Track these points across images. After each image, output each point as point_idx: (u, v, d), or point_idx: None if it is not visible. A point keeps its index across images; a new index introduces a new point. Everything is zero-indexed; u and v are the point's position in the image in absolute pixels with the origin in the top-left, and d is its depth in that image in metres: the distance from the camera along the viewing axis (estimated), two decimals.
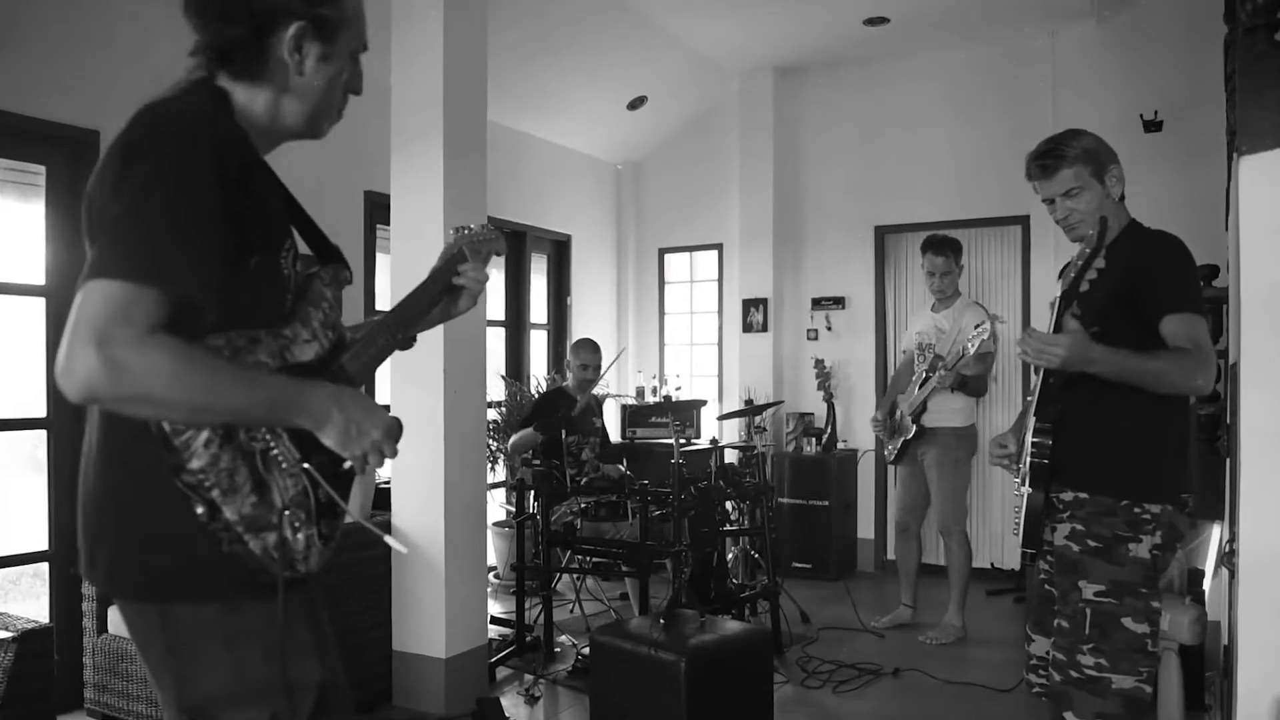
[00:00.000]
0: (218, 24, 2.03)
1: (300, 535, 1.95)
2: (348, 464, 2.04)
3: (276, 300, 2.03)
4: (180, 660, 1.96)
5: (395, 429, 2.04)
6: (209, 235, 1.82)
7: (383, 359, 2.26)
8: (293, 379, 1.97)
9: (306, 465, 1.97)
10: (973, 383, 6.54)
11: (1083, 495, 3.20)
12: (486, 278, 2.50)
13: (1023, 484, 3.25)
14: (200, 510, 1.84)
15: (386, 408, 5.17)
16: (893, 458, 6.96)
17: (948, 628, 6.69)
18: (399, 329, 2.31)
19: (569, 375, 7.31)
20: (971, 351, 6.24)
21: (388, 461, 5.55)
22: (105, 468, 1.95)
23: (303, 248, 2.18)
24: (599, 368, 7.23)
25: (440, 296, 2.44)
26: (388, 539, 2.18)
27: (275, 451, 1.93)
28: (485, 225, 2.52)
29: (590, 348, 7.22)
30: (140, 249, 1.75)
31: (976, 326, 6.29)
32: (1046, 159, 3.37)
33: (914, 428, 6.67)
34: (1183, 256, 3.21)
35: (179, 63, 2.11)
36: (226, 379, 1.82)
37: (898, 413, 6.87)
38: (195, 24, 2.06)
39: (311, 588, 2.06)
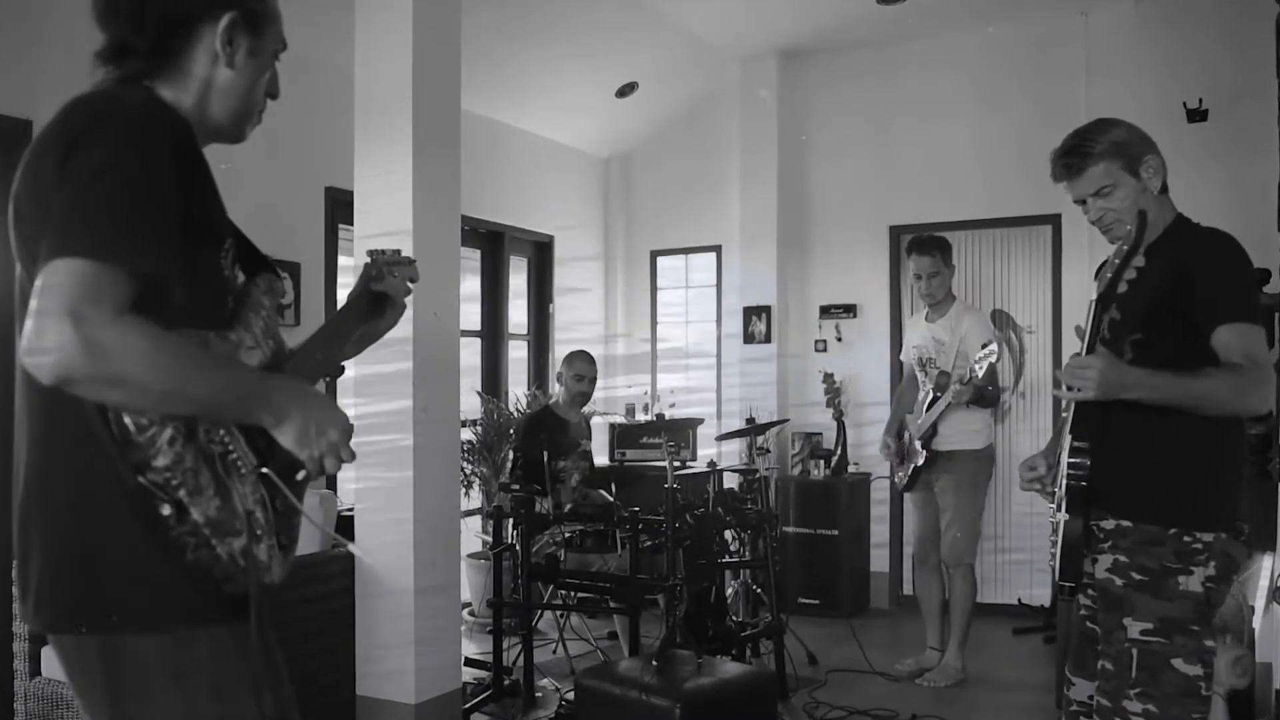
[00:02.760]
0: (134, 26, 2.09)
1: (262, 544, 2.00)
2: (301, 474, 2.11)
3: (220, 301, 2.09)
4: (123, 700, 1.98)
5: (350, 431, 2.13)
6: (169, 212, 1.89)
7: (320, 375, 2.42)
8: (255, 371, 2.08)
9: (265, 469, 2.03)
10: (987, 394, 6.59)
11: (1126, 523, 3.17)
12: (408, 290, 2.67)
13: (1058, 510, 3.22)
14: (167, 510, 1.87)
15: None
16: (903, 485, 6.97)
17: (947, 669, 6.68)
18: (332, 346, 2.45)
19: (559, 390, 7.29)
20: (980, 374, 6.29)
21: (351, 488, 5.50)
22: (40, 486, 1.98)
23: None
24: (595, 380, 7.26)
25: (366, 313, 2.60)
26: (350, 546, 2.28)
27: (234, 455, 1.98)
28: (398, 250, 2.69)
29: (585, 358, 7.29)
30: (100, 227, 1.81)
31: (984, 347, 6.33)
32: (1071, 157, 3.35)
33: (924, 453, 6.67)
34: (1237, 257, 3.17)
35: None
36: (197, 364, 1.89)
37: (905, 435, 6.87)
38: (108, 28, 2.11)
39: (264, 617, 2.09)
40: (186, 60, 2.12)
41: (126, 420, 1.84)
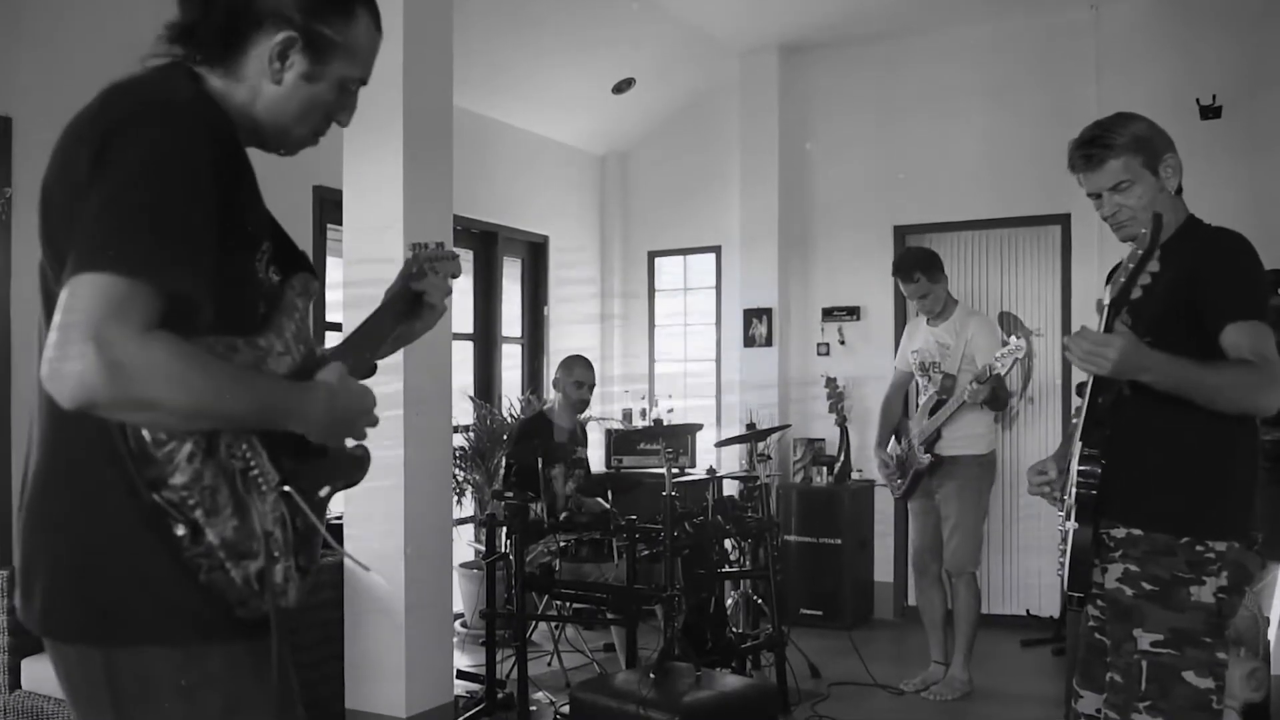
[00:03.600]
0: (199, 5, 2.08)
1: (279, 566, 1.98)
2: (324, 490, 2.13)
3: (252, 306, 2.07)
4: (128, 713, 1.96)
5: (374, 403, 2.20)
6: (204, 224, 1.86)
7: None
8: (283, 380, 2.05)
9: (287, 488, 2.01)
10: (1000, 394, 6.58)
11: (1137, 531, 3.18)
12: (448, 290, 2.62)
13: (1067, 518, 3.22)
14: (181, 531, 1.85)
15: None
16: (901, 493, 6.94)
17: (953, 681, 6.67)
18: (367, 349, 2.42)
19: (556, 395, 7.29)
20: (1003, 372, 6.26)
21: (340, 496, 5.52)
22: (50, 489, 1.97)
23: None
24: (593, 387, 7.26)
25: (404, 313, 2.56)
26: (353, 558, 2.26)
27: (255, 472, 1.96)
28: (442, 244, 2.65)
29: (585, 365, 7.28)
30: (132, 239, 1.78)
31: (1006, 344, 6.30)
32: (1091, 148, 3.35)
33: (928, 458, 6.66)
34: (1247, 257, 3.19)
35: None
36: (227, 381, 1.88)
37: (904, 441, 6.86)
38: (183, 5, 2.10)
39: (284, 640, 2.08)
40: (240, 62, 2.09)
41: (145, 434, 1.81)
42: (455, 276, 2.65)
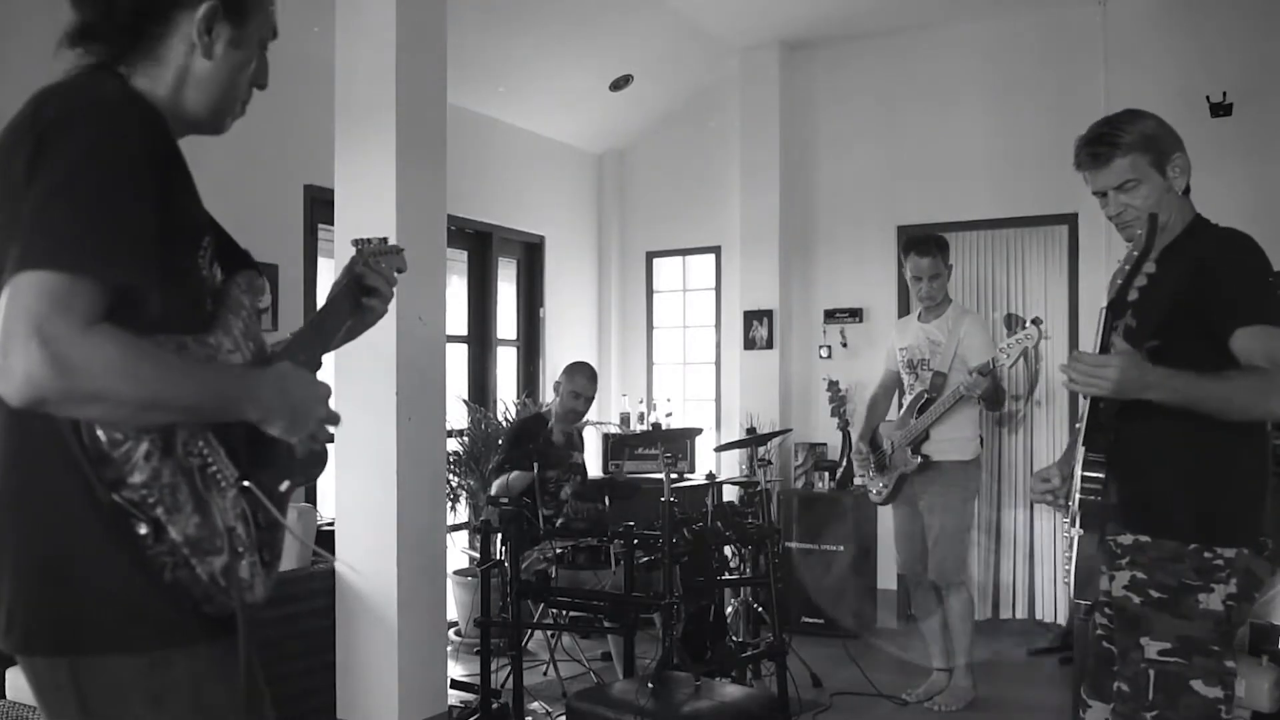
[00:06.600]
0: (105, 7, 2.08)
1: (243, 561, 2.00)
2: (284, 485, 2.16)
3: (198, 303, 2.10)
4: None
5: (329, 395, 2.21)
6: (144, 219, 1.88)
7: None
8: (234, 368, 2.08)
9: (247, 483, 2.04)
10: (998, 393, 6.58)
11: (1144, 538, 3.18)
12: (394, 283, 2.67)
13: (1073, 525, 3.22)
14: (143, 530, 1.87)
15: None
16: (883, 498, 6.87)
17: (957, 690, 6.64)
18: (318, 345, 2.46)
19: (555, 399, 7.29)
20: (1009, 362, 6.23)
21: (331, 502, 5.51)
22: (9, 496, 1.98)
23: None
24: (591, 399, 7.26)
25: (351, 309, 2.61)
26: (334, 559, 2.27)
27: (213, 468, 1.98)
28: (384, 239, 2.70)
29: (588, 375, 7.30)
30: (72, 234, 1.80)
31: (1013, 333, 6.28)
32: (1098, 146, 3.35)
33: (917, 460, 6.61)
34: (1256, 258, 3.19)
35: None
36: (177, 372, 1.89)
37: (887, 444, 6.84)
38: (78, 7, 2.11)
39: (249, 638, 2.10)
40: (161, 48, 2.10)
41: (100, 435, 1.83)
42: (401, 271, 2.69)
